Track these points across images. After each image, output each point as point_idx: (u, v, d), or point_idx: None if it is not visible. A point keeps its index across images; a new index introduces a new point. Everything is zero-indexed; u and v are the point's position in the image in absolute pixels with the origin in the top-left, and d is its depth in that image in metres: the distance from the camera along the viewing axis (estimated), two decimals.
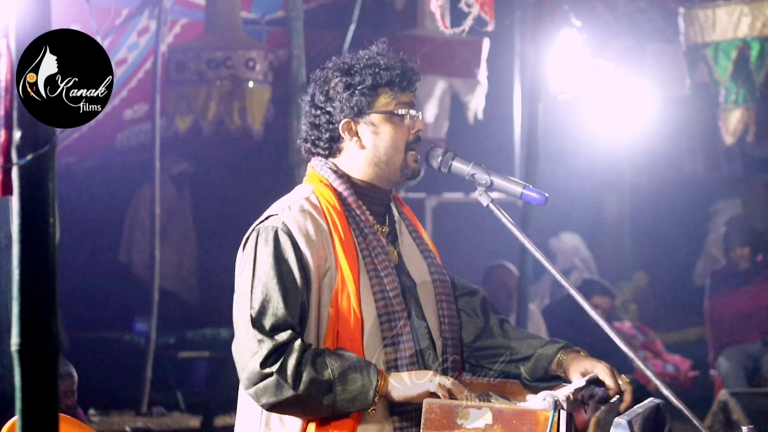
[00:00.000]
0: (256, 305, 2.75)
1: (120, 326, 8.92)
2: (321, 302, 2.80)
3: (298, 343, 2.72)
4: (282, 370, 2.69)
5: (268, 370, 2.70)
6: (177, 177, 9.39)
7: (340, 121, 2.90)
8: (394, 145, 2.91)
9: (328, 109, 2.91)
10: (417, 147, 2.95)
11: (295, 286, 2.77)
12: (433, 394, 2.68)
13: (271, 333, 2.72)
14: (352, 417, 2.76)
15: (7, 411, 3.58)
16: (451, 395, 2.68)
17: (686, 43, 6.88)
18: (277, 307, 2.74)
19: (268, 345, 2.71)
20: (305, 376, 2.69)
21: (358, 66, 2.90)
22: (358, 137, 2.91)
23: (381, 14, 8.43)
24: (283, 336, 2.72)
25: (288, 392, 2.70)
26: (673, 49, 8.39)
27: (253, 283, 2.78)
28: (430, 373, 2.75)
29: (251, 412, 2.84)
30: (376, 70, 2.89)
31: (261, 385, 2.72)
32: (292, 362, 2.69)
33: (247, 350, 2.73)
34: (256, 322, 2.74)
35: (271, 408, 2.76)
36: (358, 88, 2.88)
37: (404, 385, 2.74)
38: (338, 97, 2.89)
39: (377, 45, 2.95)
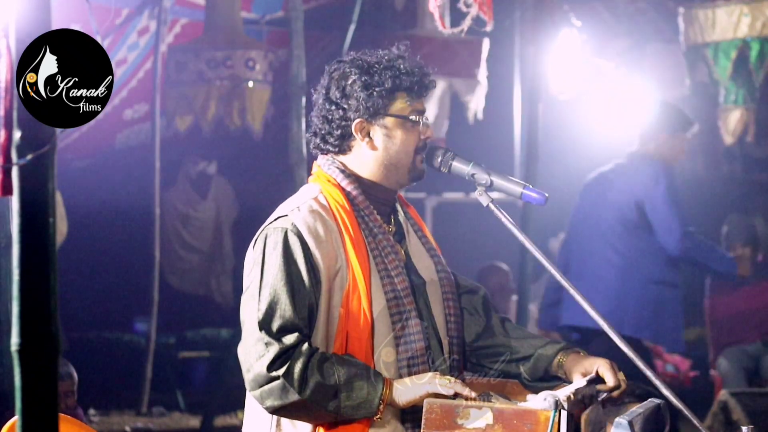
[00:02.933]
0: (264, 307, 2.75)
1: (120, 326, 8.92)
2: (331, 303, 2.79)
3: (305, 347, 2.71)
4: (288, 374, 2.69)
5: (274, 374, 2.70)
6: (197, 178, 9.26)
7: (354, 120, 2.89)
8: (405, 150, 2.91)
9: (344, 105, 2.89)
10: (424, 152, 2.95)
11: (304, 287, 2.76)
12: (437, 395, 2.68)
13: (278, 335, 2.72)
14: (362, 421, 2.76)
15: (7, 411, 3.57)
16: (456, 394, 2.69)
17: (686, 43, 6.87)
18: (284, 309, 2.74)
19: (275, 348, 2.70)
20: (311, 381, 2.69)
21: (378, 66, 2.88)
22: (370, 138, 2.90)
23: (381, 14, 8.41)
24: (290, 339, 2.71)
25: (293, 396, 2.70)
26: (673, 49, 8.37)
27: (261, 284, 2.78)
28: (431, 374, 2.75)
29: (261, 413, 2.83)
30: (396, 73, 2.87)
31: (266, 387, 2.72)
32: (298, 366, 2.69)
33: (254, 352, 2.73)
34: (264, 324, 2.73)
35: (275, 411, 2.76)
36: (377, 89, 2.87)
37: (407, 389, 2.73)
38: (355, 95, 2.88)
39: (398, 47, 2.93)
